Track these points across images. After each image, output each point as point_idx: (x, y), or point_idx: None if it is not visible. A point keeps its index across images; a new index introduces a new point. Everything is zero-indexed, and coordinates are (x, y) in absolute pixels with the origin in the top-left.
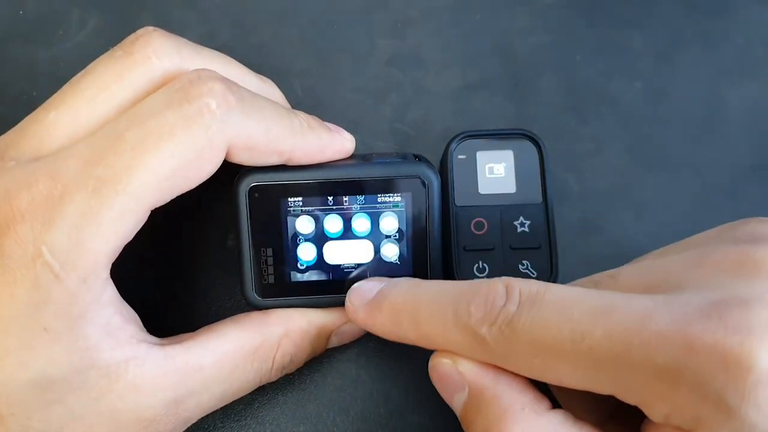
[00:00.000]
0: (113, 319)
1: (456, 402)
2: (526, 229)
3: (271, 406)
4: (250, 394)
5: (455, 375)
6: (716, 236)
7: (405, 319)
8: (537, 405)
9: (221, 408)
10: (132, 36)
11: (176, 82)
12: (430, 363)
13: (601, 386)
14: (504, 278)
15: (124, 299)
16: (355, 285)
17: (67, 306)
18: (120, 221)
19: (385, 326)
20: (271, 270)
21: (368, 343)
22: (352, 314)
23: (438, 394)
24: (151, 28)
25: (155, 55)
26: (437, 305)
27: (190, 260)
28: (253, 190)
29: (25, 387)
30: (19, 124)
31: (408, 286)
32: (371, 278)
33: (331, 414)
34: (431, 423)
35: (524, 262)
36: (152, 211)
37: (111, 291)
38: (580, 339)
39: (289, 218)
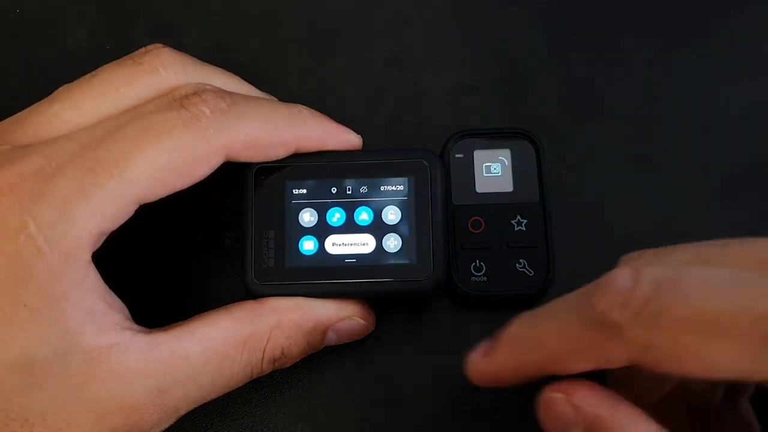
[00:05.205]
0: (96, 305)
1: None
2: (523, 228)
3: (269, 404)
4: (247, 392)
5: (568, 410)
6: None
7: (525, 345)
8: None
9: (218, 406)
10: (142, 49)
11: (174, 92)
12: (541, 399)
13: (763, 369)
14: (627, 266)
15: (122, 296)
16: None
17: (49, 283)
18: (109, 204)
19: (506, 360)
20: (271, 253)
21: (366, 341)
22: (472, 373)
23: (436, 395)
24: (159, 44)
25: (163, 67)
26: (555, 317)
27: (188, 258)
28: (259, 172)
29: (4, 368)
30: (20, 113)
31: (521, 317)
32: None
33: (329, 413)
34: (429, 422)
35: (521, 260)
36: (153, 209)
37: (94, 276)
38: (740, 312)
39: (292, 201)
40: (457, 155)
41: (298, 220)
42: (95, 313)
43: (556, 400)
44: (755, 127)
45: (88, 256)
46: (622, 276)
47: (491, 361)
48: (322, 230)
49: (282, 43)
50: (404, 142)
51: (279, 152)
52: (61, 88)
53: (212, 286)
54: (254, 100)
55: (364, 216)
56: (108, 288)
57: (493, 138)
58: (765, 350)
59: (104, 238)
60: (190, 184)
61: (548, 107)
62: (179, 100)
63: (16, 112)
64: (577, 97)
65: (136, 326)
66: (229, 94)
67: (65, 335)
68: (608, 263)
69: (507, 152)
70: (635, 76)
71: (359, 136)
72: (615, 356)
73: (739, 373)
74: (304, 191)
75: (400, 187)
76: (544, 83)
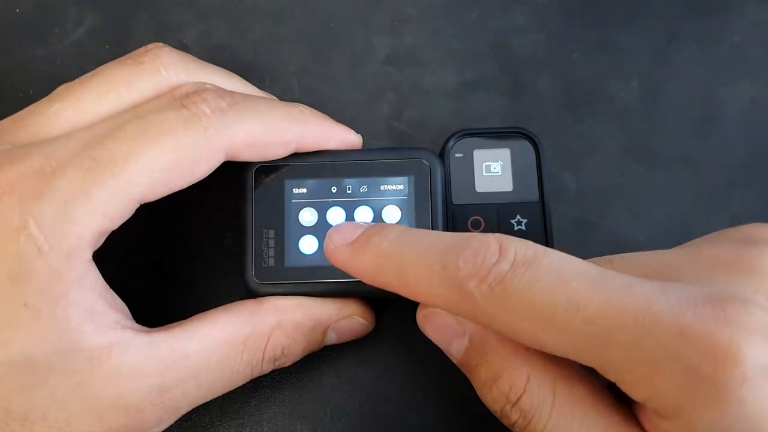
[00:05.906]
0: (97, 304)
1: (455, 349)
2: (523, 228)
3: (269, 404)
4: (247, 392)
5: (453, 323)
6: (714, 237)
7: (389, 266)
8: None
9: (218, 406)
10: (142, 48)
11: (175, 92)
12: (421, 313)
13: (584, 358)
14: (498, 235)
15: (122, 296)
16: (337, 225)
17: (49, 283)
18: (110, 204)
19: (366, 269)
20: (271, 253)
21: (366, 341)
22: (331, 253)
23: (437, 394)
24: (160, 44)
25: (163, 67)
26: (424, 255)
27: (188, 258)
28: (259, 171)
29: (5, 367)
30: (20, 113)
31: (396, 232)
32: (356, 222)
33: (329, 412)
34: (430, 422)
35: None
36: (153, 209)
37: (94, 275)
38: (575, 310)
39: (292, 200)
40: (457, 155)
41: (298, 220)
42: (96, 312)
43: (438, 313)
44: (755, 127)
45: (88, 255)
46: (492, 248)
47: (355, 261)
48: (322, 229)
49: (282, 42)
50: (404, 142)
51: (279, 151)
52: (61, 87)
53: (212, 286)
54: (255, 100)
55: (364, 215)
56: (108, 287)
57: (493, 138)
58: (584, 345)
59: (105, 237)
60: (191, 184)
61: (548, 107)
62: (180, 99)
63: (16, 112)
64: (576, 96)
65: (136, 325)
66: (230, 93)
67: (66, 334)
68: None
69: (507, 152)
70: (635, 76)
71: (359, 135)
72: (463, 313)
73: (564, 355)
74: (304, 190)
75: (400, 187)
76: (544, 83)
